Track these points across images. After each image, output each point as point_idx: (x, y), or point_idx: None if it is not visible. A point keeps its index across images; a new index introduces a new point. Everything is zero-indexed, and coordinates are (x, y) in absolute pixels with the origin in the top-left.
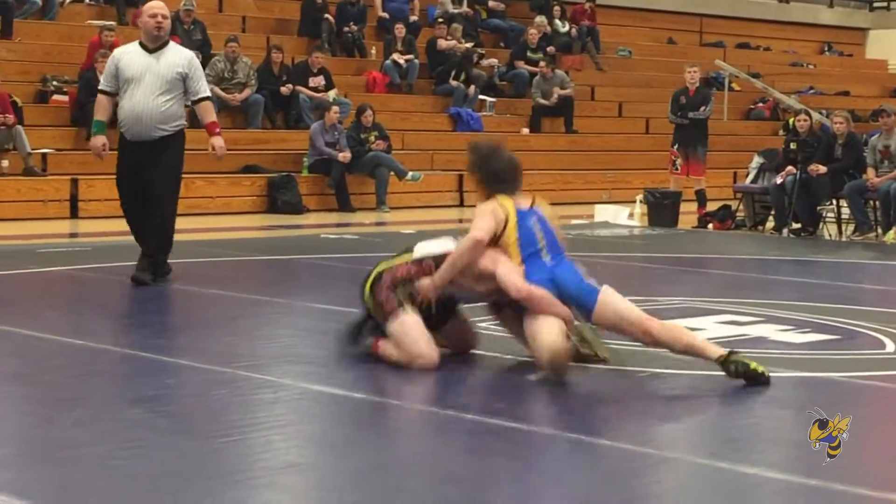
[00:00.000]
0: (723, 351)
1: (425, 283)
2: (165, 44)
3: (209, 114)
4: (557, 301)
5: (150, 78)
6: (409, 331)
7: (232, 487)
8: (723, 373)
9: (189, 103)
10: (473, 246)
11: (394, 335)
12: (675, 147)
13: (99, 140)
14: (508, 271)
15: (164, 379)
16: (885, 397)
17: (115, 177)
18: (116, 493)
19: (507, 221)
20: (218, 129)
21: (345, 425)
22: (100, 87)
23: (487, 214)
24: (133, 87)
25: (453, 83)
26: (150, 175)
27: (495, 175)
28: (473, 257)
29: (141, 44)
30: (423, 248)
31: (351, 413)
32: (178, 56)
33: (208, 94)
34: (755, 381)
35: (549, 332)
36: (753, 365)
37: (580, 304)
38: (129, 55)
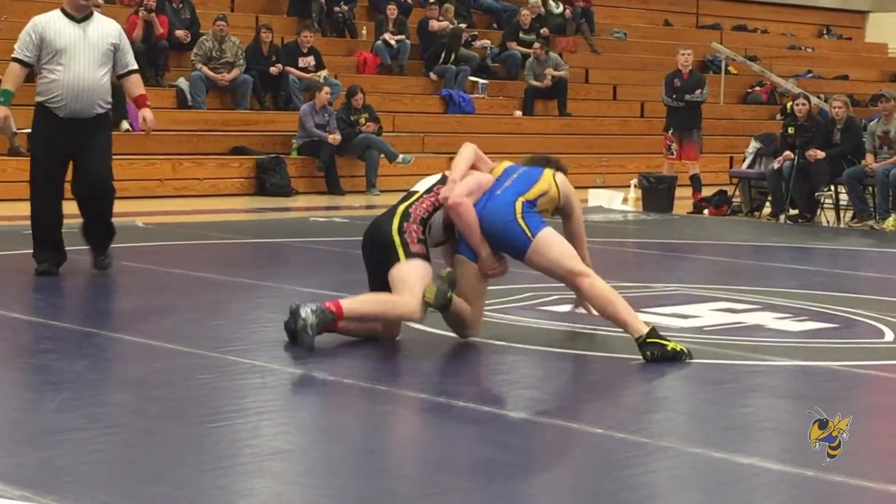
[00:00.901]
0: (643, 330)
1: (447, 187)
2: (91, 13)
3: (139, 86)
4: (476, 230)
5: (87, 50)
6: (411, 276)
7: (219, 473)
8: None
9: (118, 73)
10: (465, 145)
11: (394, 277)
12: (670, 131)
13: (2, 111)
14: (463, 181)
15: (151, 363)
16: (884, 387)
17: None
18: (102, 478)
19: (495, 170)
20: (148, 102)
21: (333, 411)
22: (15, 56)
23: None
24: (68, 59)
25: (453, 66)
26: (87, 158)
27: None
28: (470, 153)
29: (64, 12)
30: (427, 181)
31: (340, 399)
32: (108, 26)
33: (136, 66)
34: (675, 360)
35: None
36: (671, 346)
37: (508, 245)
38: (54, 24)
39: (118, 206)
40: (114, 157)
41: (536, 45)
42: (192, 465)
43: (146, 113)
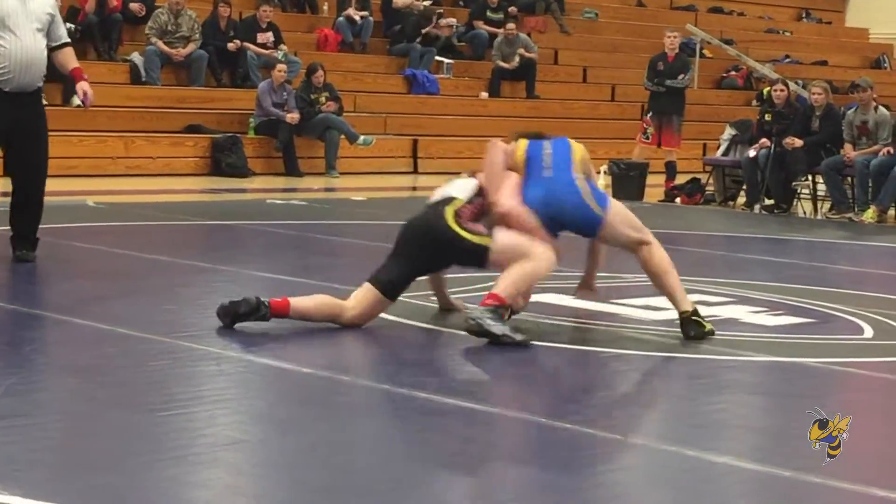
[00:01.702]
0: (689, 307)
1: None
2: None
3: (73, 59)
4: (536, 226)
5: (29, 19)
6: (512, 237)
7: (173, 463)
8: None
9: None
10: (492, 146)
11: (500, 248)
12: (649, 115)
13: None
14: (502, 186)
15: (102, 348)
16: (863, 385)
17: None
18: (52, 466)
19: (516, 152)
20: (85, 75)
21: (291, 401)
22: None
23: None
24: (11, 28)
25: (418, 45)
26: (25, 137)
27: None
28: (498, 156)
29: None
30: (460, 187)
31: (298, 388)
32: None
33: (69, 38)
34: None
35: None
36: (708, 328)
37: (580, 225)
38: None
39: (68, 184)
40: (65, 133)
41: (510, 25)
42: (145, 455)
43: (85, 86)
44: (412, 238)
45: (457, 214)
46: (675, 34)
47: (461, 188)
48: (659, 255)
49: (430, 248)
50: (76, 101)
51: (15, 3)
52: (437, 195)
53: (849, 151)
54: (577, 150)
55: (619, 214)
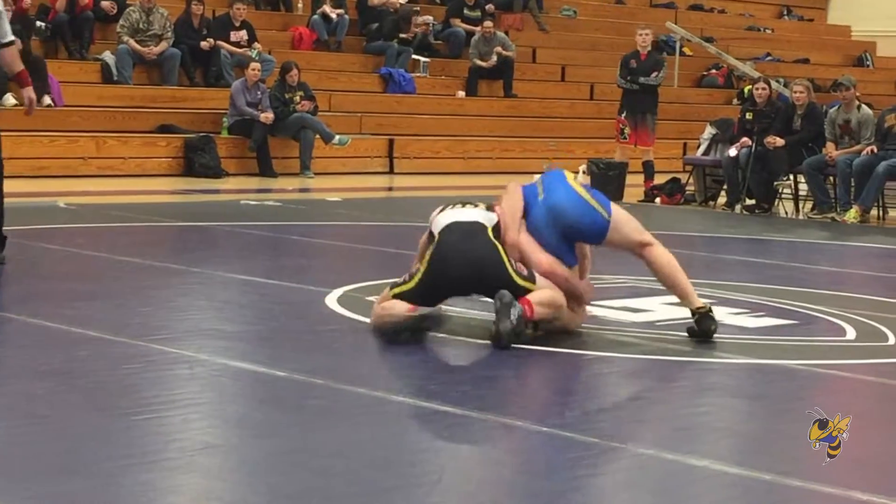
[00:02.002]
0: (702, 304)
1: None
2: None
3: (18, 61)
4: (574, 278)
5: None
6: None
7: (146, 468)
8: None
9: None
10: (513, 188)
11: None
12: (623, 115)
13: None
14: (530, 242)
15: (73, 351)
16: (846, 388)
17: None
18: (22, 471)
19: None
20: (30, 80)
21: (266, 405)
22: None
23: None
24: None
25: (395, 44)
26: None
27: None
28: (518, 198)
29: None
30: (487, 219)
31: (272, 392)
32: None
33: (13, 38)
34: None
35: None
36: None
37: (586, 232)
38: None
39: (39, 185)
40: (35, 133)
41: (488, 23)
42: (118, 460)
43: (30, 93)
44: (465, 274)
45: (508, 255)
46: (646, 31)
47: (486, 218)
48: (665, 255)
49: (478, 284)
50: (46, 100)
51: None
52: (460, 216)
53: (831, 151)
54: (570, 175)
55: (625, 220)
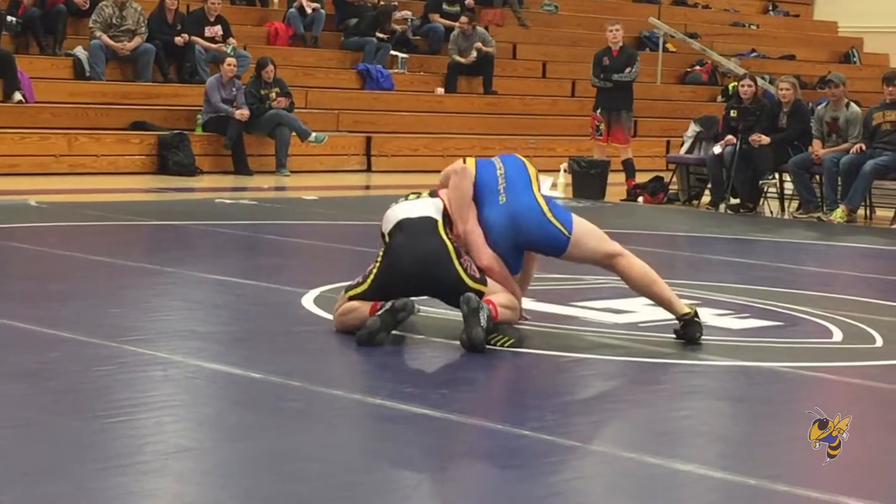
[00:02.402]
0: (688, 309)
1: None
2: None
3: None
4: (511, 281)
5: None
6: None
7: (119, 472)
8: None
9: None
10: (461, 172)
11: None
12: (598, 111)
13: None
14: (477, 237)
15: (45, 353)
16: (832, 390)
17: None
18: None
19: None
20: None
21: (241, 407)
22: None
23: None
24: None
25: (376, 39)
26: None
27: None
28: (467, 183)
29: None
30: (435, 210)
31: (247, 394)
32: None
33: None
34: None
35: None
36: None
37: (546, 246)
38: None
39: (9, 183)
40: (6, 130)
41: (464, 18)
42: (90, 463)
43: None
44: (415, 273)
45: (458, 253)
46: (616, 27)
47: (435, 209)
48: (638, 264)
49: (427, 284)
50: (17, 96)
51: None
52: (409, 212)
53: (818, 148)
54: (530, 166)
55: (588, 234)
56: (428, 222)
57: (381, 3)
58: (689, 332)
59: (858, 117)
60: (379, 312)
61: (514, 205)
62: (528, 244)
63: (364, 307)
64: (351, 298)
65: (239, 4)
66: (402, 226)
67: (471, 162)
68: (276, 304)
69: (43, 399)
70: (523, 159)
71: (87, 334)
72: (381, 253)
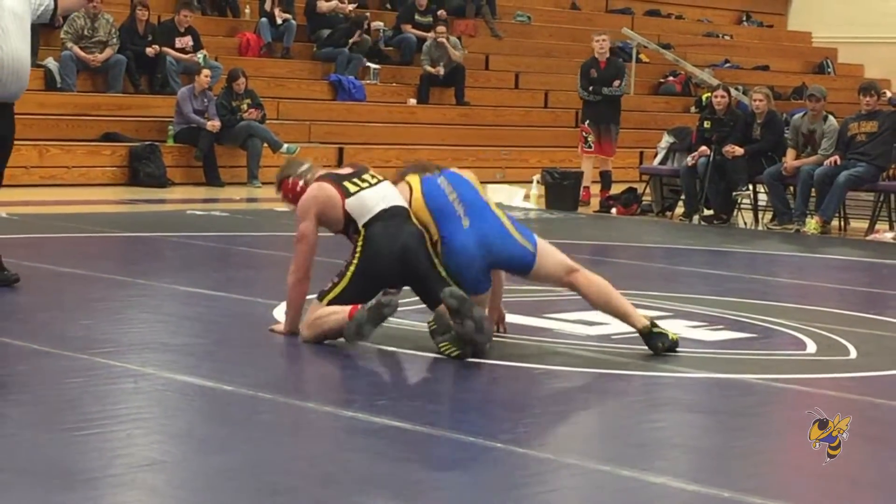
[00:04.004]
0: (647, 322)
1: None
2: None
3: None
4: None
5: (14, 19)
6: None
7: (89, 485)
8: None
9: (50, 13)
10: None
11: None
12: (587, 123)
13: None
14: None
15: (14, 365)
16: (805, 402)
17: None
18: None
19: (411, 194)
20: None
21: (213, 420)
22: None
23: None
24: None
25: (347, 51)
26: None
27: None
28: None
29: None
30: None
31: (219, 407)
32: None
33: None
34: (674, 349)
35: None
36: (672, 336)
37: (513, 264)
38: None
39: None
40: None
41: (440, 28)
42: (60, 476)
43: None
44: (396, 263)
45: (430, 241)
46: (603, 37)
47: (402, 198)
48: (595, 279)
49: (407, 273)
50: None
51: None
52: (384, 201)
53: (790, 158)
54: (475, 179)
55: (545, 246)
56: (403, 210)
57: (353, 13)
58: (652, 343)
59: (835, 131)
60: (366, 306)
61: (481, 227)
62: (498, 264)
63: (342, 310)
64: (330, 303)
65: (210, 15)
66: (380, 216)
67: (415, 183)
68: (248, 316)
69: (11, 412)
70: (461, 172)
71: (57, 346)
72: (358, 246)
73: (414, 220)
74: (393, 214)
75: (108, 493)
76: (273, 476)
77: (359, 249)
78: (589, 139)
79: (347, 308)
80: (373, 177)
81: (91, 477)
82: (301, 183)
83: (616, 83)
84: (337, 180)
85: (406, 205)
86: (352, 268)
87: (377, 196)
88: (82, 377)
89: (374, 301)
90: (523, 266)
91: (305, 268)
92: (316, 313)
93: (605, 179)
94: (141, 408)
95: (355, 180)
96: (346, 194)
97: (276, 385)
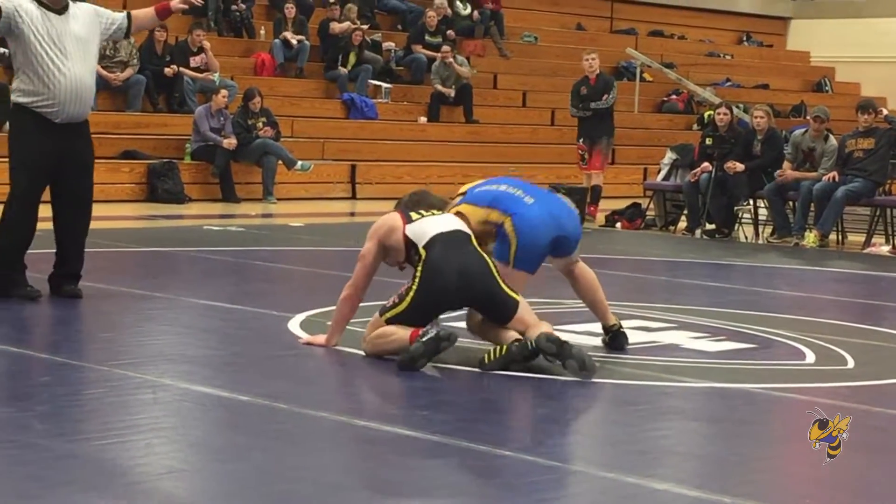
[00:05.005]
0: (616, 320)
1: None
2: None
3: (146, 11)
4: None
5: (77, 42)
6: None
7: (110, 493)
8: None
9: (125, 30)
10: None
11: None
12: (581, 140)
13: None
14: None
15: (37, 377)
16: (804, 411)
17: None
18: None
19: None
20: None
21: (229, 429)
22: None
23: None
24: (59, 54)
25: (342, 70)
26: (74, 170)
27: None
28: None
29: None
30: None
31: (236, 416)
32: (86, 14)
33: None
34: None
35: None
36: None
37: (570, 245)
38: (30, 9)
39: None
40: None
41: (447, 48)
42: (81, 484)
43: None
44: (458, 286)
45: (494, 265)
46: (592, 56)
47: (463, 224)
48: (590, 271)
49: (470, 296)
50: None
51: (60, 25)
52: (441, 227)
53: (786, 170)
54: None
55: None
56: (462, 235)
57: (347, 33)
58: (618, 342)
59: (835, 150)
60: (423, 339)
61: (548, 202)
62: (561, 239)
63: (403, 333)
64: (388, 321)
65: (227, 36)
66: (438, 240)
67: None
68: (264, 329)
69: (33, 422)
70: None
71: (78, 358)
72: (418, 270)
73: (475, 243)
74: (452, 237)
75: (129, 501)
76: (288, 484)
77: (419, 271)
78: (584, 156)
79: (409, 331)
80: (440, 211)
81: (112, 485)
82: None
83: (603, 97)
84: (405, 210)
85: (467, 230)
86: (413, 288)
87: (437, 222)
88: (102, 388)
89: (433, 333)
90: (575, 244)
91: (359, 285)
92: (378, 331)
93: (595, 194)
94: (159, 418)
95: (422, 211)
96: (409, 220)
97: (291, 395)
